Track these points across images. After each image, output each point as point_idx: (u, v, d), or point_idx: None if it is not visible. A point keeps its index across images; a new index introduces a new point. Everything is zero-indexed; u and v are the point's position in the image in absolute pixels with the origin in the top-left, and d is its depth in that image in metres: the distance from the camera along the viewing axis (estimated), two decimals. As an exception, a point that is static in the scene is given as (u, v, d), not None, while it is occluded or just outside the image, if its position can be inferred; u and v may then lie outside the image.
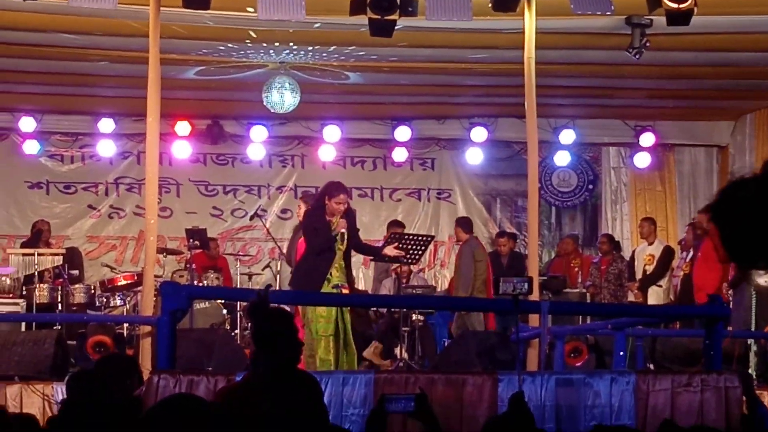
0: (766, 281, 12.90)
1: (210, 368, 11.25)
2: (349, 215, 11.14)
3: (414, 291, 15.27)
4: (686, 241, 15.90)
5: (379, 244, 12.43)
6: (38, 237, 16.14)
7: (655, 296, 16.12)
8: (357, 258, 16.47)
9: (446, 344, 14.25)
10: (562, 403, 7.90)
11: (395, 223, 16.29)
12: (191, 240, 15.00)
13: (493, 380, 7.93)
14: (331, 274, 10.83)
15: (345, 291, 10.88)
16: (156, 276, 12.26)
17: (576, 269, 17.14)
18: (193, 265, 14.67)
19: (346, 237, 10.93)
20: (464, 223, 15.29)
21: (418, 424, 6.92)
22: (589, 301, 16.12)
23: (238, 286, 15.71)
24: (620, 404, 7.90)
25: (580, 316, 14.41)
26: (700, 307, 10.49)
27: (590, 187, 19.06)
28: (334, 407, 7.84)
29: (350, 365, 10.60)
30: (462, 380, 7.95)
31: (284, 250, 14.81)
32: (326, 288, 10.76)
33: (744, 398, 7.99)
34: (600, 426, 5.55)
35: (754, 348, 13.12)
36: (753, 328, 12.84)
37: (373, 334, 15.49)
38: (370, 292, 16.71)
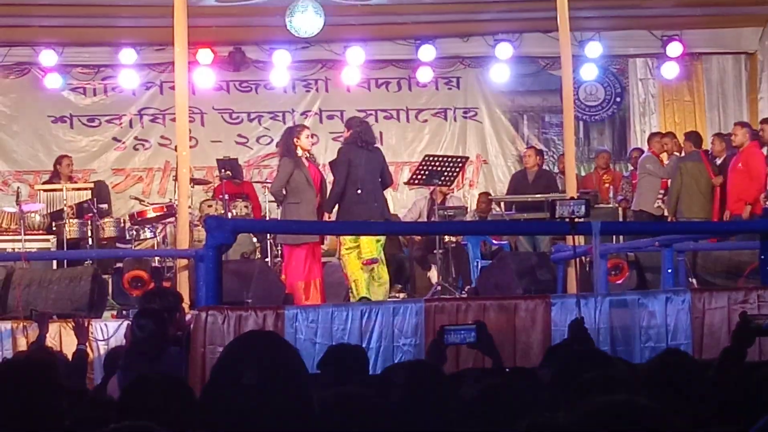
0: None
1: (249, 300, 11.18)
2: (374, 152, 11.23)
3: (447, 212, 15.08)
4: (715, 151, 15.70)
5: (410, 168, 12.37)
6: (57, 173, 15.88)
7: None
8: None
9: (481, 266, 14.12)
10: (616, 325, 7.77)
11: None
12: (223, 170, 14.83)
13: (546, 304, 7.79)
14: None
15: None
16: (186, 207, 12.18)
17: (607, 184, 16.99)
18: (226, 196, 14.46)
19: None
20: None
21: (473, 353, 6.83)
22: (621, 215, 15.96)
23: (268, 215, 15.53)
24: (676, 324, 7.75)
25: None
26: (757, 222, 10.28)
27: (618, 100, 18.81)
28: (386, 338, 7.73)
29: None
30: (514, 305, 7.82)
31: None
32: None
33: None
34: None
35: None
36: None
37: (404, 257, 15.40)
38: (400, 216, 16.60)
